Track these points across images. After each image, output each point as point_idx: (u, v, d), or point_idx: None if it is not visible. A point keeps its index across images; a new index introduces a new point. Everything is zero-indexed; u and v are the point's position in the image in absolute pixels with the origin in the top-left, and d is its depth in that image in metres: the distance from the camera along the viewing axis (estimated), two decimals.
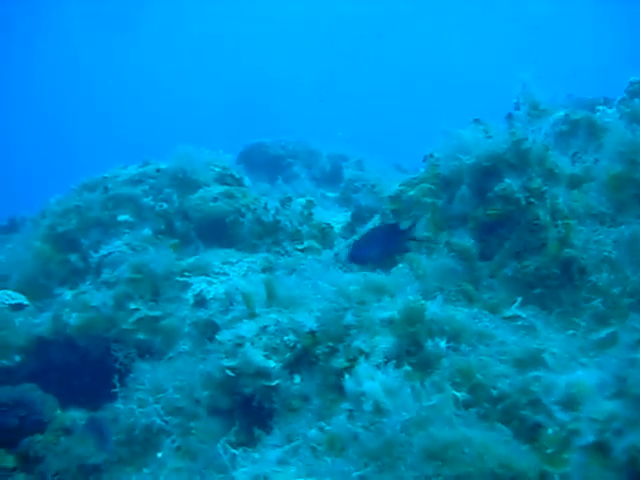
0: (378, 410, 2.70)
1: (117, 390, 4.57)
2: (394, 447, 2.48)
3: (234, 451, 3.10)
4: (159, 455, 4.13)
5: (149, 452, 4.18)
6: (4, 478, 4.31)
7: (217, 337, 4.10)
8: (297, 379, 3.80)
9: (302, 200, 6.84)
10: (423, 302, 3.43)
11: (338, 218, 6.68)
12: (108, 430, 4.14)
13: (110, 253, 5.76)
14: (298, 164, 12.58)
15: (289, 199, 6.67)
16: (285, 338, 3.91)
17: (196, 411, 4.33)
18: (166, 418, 4.27)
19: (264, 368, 3.81)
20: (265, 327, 3.99)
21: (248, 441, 3.94)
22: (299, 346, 3.85)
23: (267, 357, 3.86)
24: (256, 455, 2.84)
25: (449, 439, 2.66)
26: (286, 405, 3.71)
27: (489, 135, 4.63)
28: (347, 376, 3.07)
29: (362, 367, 3.04)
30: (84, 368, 5.33)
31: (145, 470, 3.97)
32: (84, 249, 6.64)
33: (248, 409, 4.03)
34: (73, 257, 6.63)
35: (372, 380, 2.87)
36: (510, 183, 4.18)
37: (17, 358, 5.51)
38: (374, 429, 2.59)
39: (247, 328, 4.01)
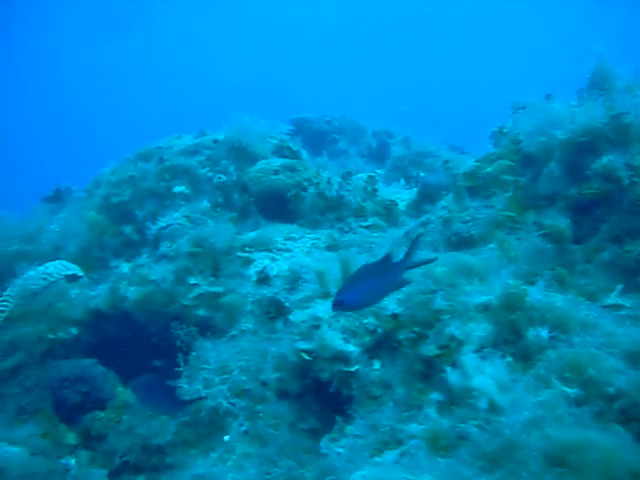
0: (492, 408, 2.42)
1: (181, 369, 4.38)
2: (515, 450, 2.20)
3: (339, 449, 2.84)
4: (226, 438, 3.93)
5: (215, 435, 3.99)
6: (68, 454, 4.17)
7: (291, 318, 3.86)
8: (377, 365, 3.55)
9: (363, 175, 6.54)
10: (524, 287, 3.13)
11: (401, 195, 6.36)
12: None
13: (168, 225, 5.56)
14: (343, 140, 12.25)
15: (349, 174, 6.38)
16: (364, 321, 3.66)
17: (264, 394, 4.12)
18: (232, 400, 4.06)
19: (342, 352, 3.56)
20: None
21: (321, 429, 3.73)
22: (380, 330, 3.59)
23: (345, 341, 3.60)
24: (377, 459, 2.57)
25: (570, 442, 2.38)
26: (365, 392, 3.46)
27: (582, 109, 4.27)
28: (448, 369, 2.79)
29: (468, 359, 2.77)
30: (142, 344, 5.16)
31: (212, 454, 3.77)
32: (139, 221, 6.47)
33: (321, 394, 3.80)
34: (127, 229, 6.46)
35: (482, 374, 2.60)
36: (611, 160, 3.81)
37: (74, 331, 5.37)
38: (491, 429, 2.32)
39: (323, 309, 3.76)
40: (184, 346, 4.66)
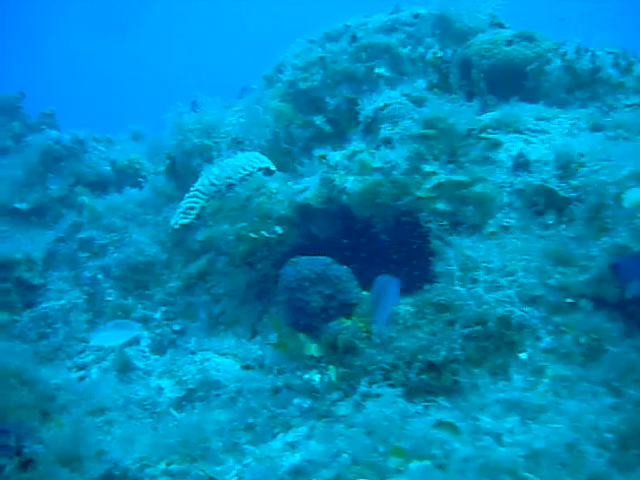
0: None
1: (435, 270, 3.49)
2: None
3: None
4: (522, 356, 3.03)
5: (504, 351, 3.10)
6: (309, 369, 3.44)
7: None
8: None
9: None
10: None
11: None
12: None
13: (386, 105, 4.59)
14: None
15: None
16: None
17: (561, 302, 3.17)
18: (525, 309, 3.14)
19: None
20: None
21: None
22: None
23: None
24: None
25: None
26: None
27: None
28: None
29: None
30: (365, 244, 4.32)
31: (516, 376, 2.88)
32: (329, 110, 5.57)
33: None
34: (318, 119, 5.57)
35: None
36: None
37: (278, 230, 4.61)
38: None
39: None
40: (428, 244, 3.76)
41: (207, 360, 4.23)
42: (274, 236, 4.60)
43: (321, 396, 3.35)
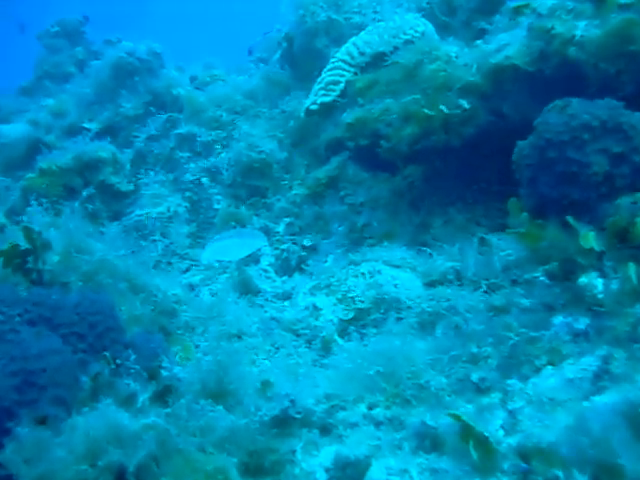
0: None
1: None
2: None
3: None
4: None
5: None
6: (583, 269, 2.20)
7: None
8: None
9: None
10: None
11: None
12: None
13: None
14: None
15: None
16: None
17: None
18: None
19: None
20: None
21: None
22: None
23: None
24: None
25: None
26: None
27: None
28: None
29: None
30: None
31: None
32: None
33: None
34: None
35: None
36: None
37: (464, 103, 3.36)
38: None
39: None
40: None
41: (378, 273, 3.03)
42: (458, 112, 3.35)
43: (610, 310, 2.11)
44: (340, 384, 2.23)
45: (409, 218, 3.91)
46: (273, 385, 2.15)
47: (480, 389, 2.16)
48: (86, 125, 6.43)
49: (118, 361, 1.95)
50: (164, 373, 1.94)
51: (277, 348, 2.80)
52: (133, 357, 1.95)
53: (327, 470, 1.93)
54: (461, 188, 3.94)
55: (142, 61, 6.32)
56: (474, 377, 2.22)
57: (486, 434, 1.77)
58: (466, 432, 1.80)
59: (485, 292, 2.73)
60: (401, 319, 2.80)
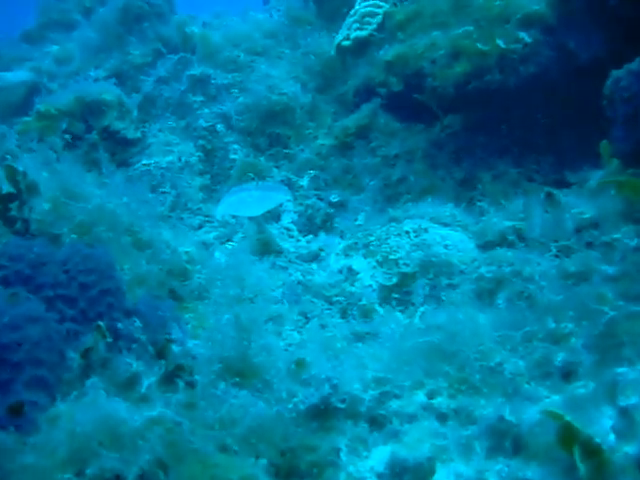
0: None
1: None
2: None
3: None
4: None
5: None
6: None
7: None
8: None
9: None
10: None
11: None
12: None
13: None
14: None
15: None
16: None
17: None
18: None
19: None
20: None
21: None
22: None
23: None
24: None
25: None
26: None
27: None
28: None
29: None
30: None
31: None
32: None
33: None
34: None
35: None
36: None
37: (525, 37, 2.86)
38: None
39: None
40: None
41: (425, 231, 2.58)
42: (518, 46, 2.85)
43: None
44: (391, 365, 1.80)
45: (450, 172, 3.47)
46: (309, 365, 1.73)
47: (567, 376, 1.73)
48: (92, 73, 5.95)
49: (117, 332, 1.52)
50: (175, 349, 1.51)
51: (307, 318, 2.38)
52: (136, 327, 1.52)
53: (380, 476, 1.52)
54: (509, 140, 3.50)
55: (152, 5, 5.79)
56: (557, 360, 1.79)
57: (597, 440, 1.34)
58: (568, 435, 1.37)
59: (555, 256, 2.30)
60: (454, 286, 2.37)
